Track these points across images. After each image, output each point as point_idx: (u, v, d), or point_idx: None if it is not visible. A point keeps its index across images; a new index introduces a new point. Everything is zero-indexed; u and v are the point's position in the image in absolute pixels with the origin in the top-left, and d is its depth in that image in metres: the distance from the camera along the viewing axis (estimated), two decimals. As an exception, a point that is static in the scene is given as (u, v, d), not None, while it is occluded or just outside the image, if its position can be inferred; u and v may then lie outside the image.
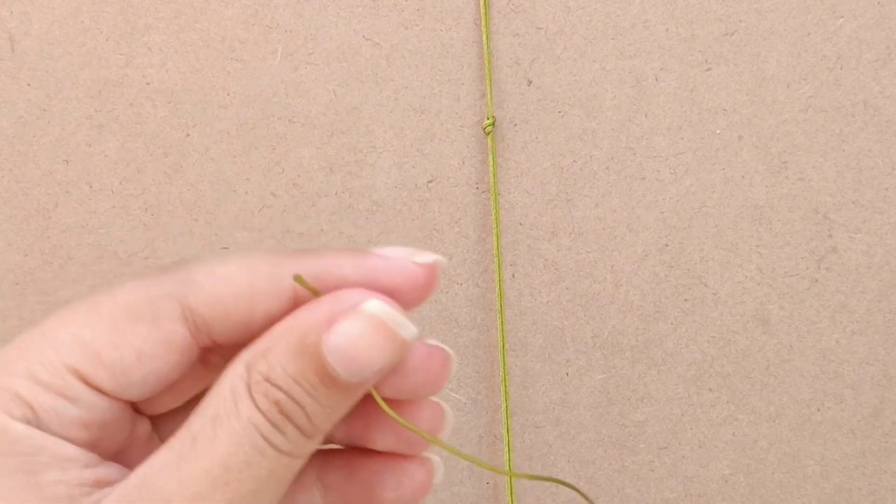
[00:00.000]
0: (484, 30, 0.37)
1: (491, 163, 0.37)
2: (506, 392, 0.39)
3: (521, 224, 0.39)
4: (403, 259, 0.22)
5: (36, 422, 0.20)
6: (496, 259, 0.38)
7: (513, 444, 0.40)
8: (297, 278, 0.21)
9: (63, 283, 0.38)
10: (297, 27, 0.37)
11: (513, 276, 0.39)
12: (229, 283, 0.22)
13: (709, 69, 0.38)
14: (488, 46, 0.37)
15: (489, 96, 0.37)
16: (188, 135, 0.38)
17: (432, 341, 0.23)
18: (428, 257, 0.22)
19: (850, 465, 0.41)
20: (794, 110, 0.38)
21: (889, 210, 0.39)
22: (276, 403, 0.20)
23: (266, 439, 0.20)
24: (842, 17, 0.37)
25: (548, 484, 0.41)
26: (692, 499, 0.41)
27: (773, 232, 0.39)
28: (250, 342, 0.21)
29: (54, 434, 0.20)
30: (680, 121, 0.38)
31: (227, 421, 0.20)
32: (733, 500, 0.41)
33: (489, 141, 0.37)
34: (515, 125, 0.38)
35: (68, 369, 0.20)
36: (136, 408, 0.23)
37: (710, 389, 0.40)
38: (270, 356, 0.20)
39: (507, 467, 0.39)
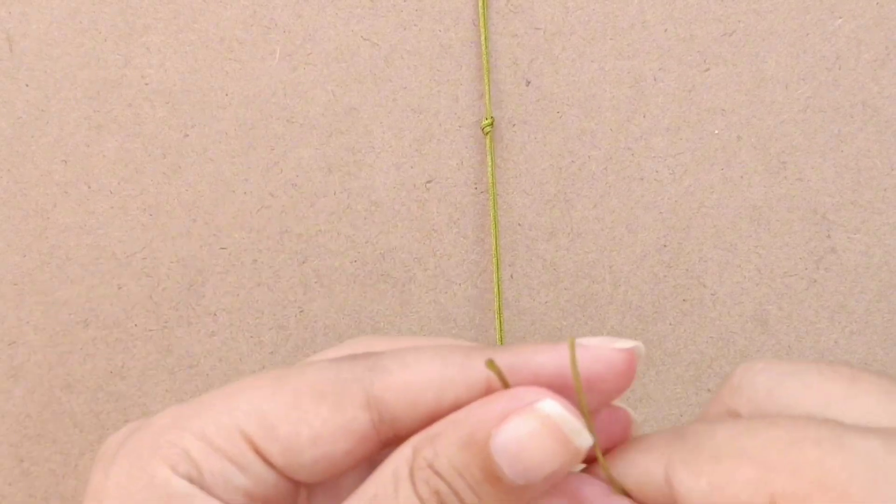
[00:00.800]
0: (482, 30, 0.37)
1: (489, 163, 0.37)
2: (504, 392, 0.39)
3: (519, 224, 0.39)
4: (601, 347, 0.21)
5: (200, 482, 0.20)
6: (494, 259, 0.38)
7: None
8: (490, 363, 0.21)
9: (61, 283, 0.38)
10: (295, 28, 0.37)
11: (511, 276, 0.39)
12: (420, 371, 0.21)
13: (707, 69, 0.38)
14: (487, 47, 0.37)
15: (488, 97, 0.37)
16: (187, 135, 0.38)
17: (618, 404, 0.21)
18: (627, 343, 0.21)
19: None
20: (793, 111, 0.38)
21: (888, 210, 0.39)
22: (437, 493, 0.20)
23: None
24: (840, 17, 0.37)
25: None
26: (691, 499, 0.41)
27: (772, 232, 0.39)
28: None
29: (216, 498, 0.20)
30: (678, 121, 0.38)
31: (385, 503, 0.20)
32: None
33: (488, 141, 0.37)
34: (514, 125, 0.38)
35: (242, 436, 0.20)
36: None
37: (709, 390, 0.40)
38: (438, 444, 0.20)
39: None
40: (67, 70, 0.37)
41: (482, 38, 0.37)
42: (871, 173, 0.38)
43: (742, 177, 0.38)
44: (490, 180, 0.38)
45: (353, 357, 0.21)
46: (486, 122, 0.37)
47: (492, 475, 0.19)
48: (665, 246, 0.39)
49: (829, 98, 0.38)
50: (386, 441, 0.22)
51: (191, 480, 0.20)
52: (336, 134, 0.38)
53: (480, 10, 0.36)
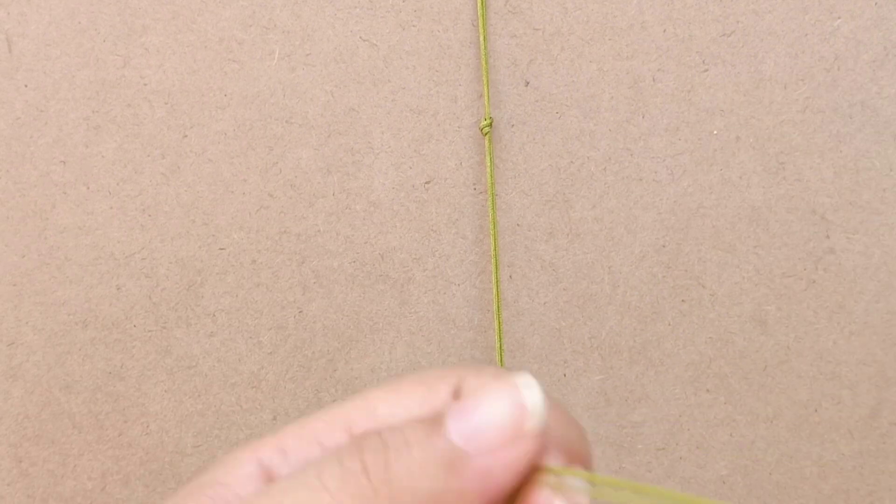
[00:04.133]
0: (481, 31, 0.37)
1: (488, 164, 0.37)
2: (503, 393, 0.39)
3: (518, 225, 0.39)
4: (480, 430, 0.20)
5: None
6: (493, 260, 0.38)
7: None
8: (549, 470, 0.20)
9: (60, 284, 0.38)
10: (294, 28, 0.37)
11: (510, 276, 0.39)
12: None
13: (706, 70, 0.38)
14: (486, 47, 0.37)
15: (486, 97, 0.37)
16: (185, 136, 0.38)
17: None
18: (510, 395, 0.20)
19: (847, 465, 0.41)
20: (792, 111, 0.38)
21: (886, 211, 0.39)
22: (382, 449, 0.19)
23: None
24: (839, 18, 0.37)
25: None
26: (690, 500, 0.41)
27: (771, 233, 0.39)
28: None
29: None
30: (677, 121, 0.38)
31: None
32: (731, 501, 0.41)
33: (486, 142, 0.37)
34: (513, 126, 0.38)
35: None
36: None
37: (708, 390, 0.40)
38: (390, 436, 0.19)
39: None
40: (66, 70, 0.37)
41: (481, 38, 0.37)
42: (870, 174, 0.38)
43: (741, 177, 0.38)
44: (489, 181, 0.38)
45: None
46: (485, 122, 0.37)
47: (435, 429, 0.19)
48: (664, 246, 0.39)
49: (828, 98, 0.38)
50: None
51: None
52: (335, 134, 0.38)
53: (479, 11, 0.36)
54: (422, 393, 0.20)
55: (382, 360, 0.40)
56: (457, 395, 0.20)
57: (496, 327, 0.39)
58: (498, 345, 0.39)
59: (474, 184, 0.38)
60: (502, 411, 0.19)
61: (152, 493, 0.40)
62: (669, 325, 0.40)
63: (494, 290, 0.38)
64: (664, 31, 0.37)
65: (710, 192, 0.39)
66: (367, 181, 0.38)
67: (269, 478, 0.19)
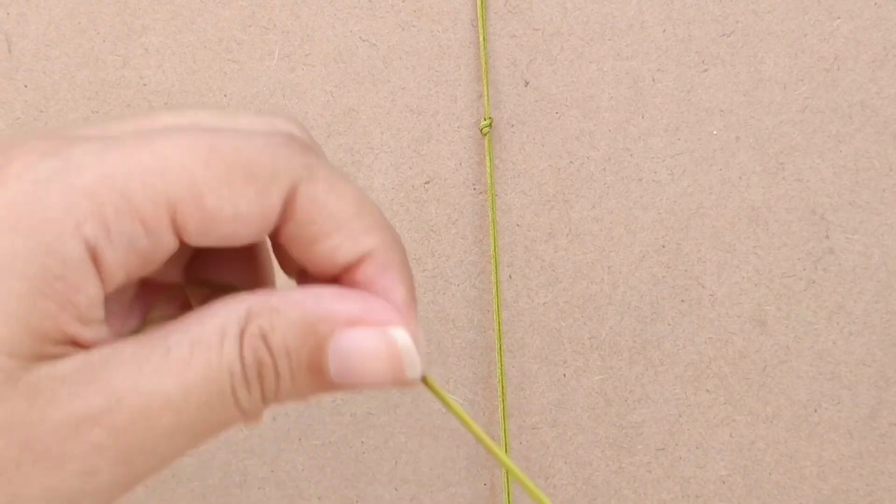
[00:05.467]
0: (481, 31, 0.37)
1: (488, 164, 0.37)
2: (503, 393, 0.39)
3: (518, 225, 0.39)
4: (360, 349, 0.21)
5: (95, 245, 0.19)
6: (493, 260, 0.38)
7: (510, 445, 0.40)
8: (426, 379, 0.21)
9: (60, 284, 0.38)
10: (293, 28, 0.37)
11: (510, 277, 0.39)
12: (342, 207, 0.21)
13: (706, 70, 0.38)
14: (485, 48, 0.37)
15: (486, 97, 0.37)
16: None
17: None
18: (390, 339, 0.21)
19: (847, 466, 0.41)
20: (791, 111, 0.38)
21: (886, 211, 0.39)
22: (259, 363, 0.20)
23: (233, 390, 0.20)
24: (839, 18, 0.37)
25: (544, 485, 0.41)
26: (689, 500, 0.41)
27: (770, 233, 0.39)
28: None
29: (100, 266, 0.19)
30: (677, 122, 0.38)
31: (206, 352, 0.19)
32: (731, 502, 0.41)
33: (486, 142, 0.37)
34: (512, 126, 0.38)
35: (167, 204, 0.19)
36: None
37: (708, 390, 0.40)
38: (277, 318, 0.20)
39: (505, 469, 0.39)
40: (66, 71, 0.37)
41: (481, 38, 0.37)
42: (870, 174, 0.38)
43: (740, 177, 0.38)
44: (489, 181, 0.38)
45: (296, 145, 0.21)
46: (485, 122, 0.37)
47: (317, 368, 0.20)
48: (664, 246, 0.39)
49: (828, 98, 0.38)
50: (276, 244, 0.22)
51: (87, 245, 0.19)
52: (335, 134, 0.38)
53: (479, 11, 0.36)
54: (254, 194, 0.20)
55: (382, 360, 0.40)
56: (290, 203, 0.20)
57: (496, 327, 0.39)
58: (498, 345, 0.39)
59: (474, 184, 0.38)
60: (383, 371, 0.21)
61: (152, 493, 0.40)
62: (669, 325, 0.40)
63: (494, 290, 0.38)
64: (664, 31, 0.37)
65: (709, 192, 0.39)
66: (367, 181, 0.38)
67: (95, 262, 0.19)
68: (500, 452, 0.23)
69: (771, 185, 0.38)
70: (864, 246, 0.39)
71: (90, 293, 0.19)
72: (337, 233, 0.21)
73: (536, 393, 0.40)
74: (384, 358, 0.21)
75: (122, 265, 0.19)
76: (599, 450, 0.41)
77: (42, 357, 0.19)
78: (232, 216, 0.20)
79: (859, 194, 0.39)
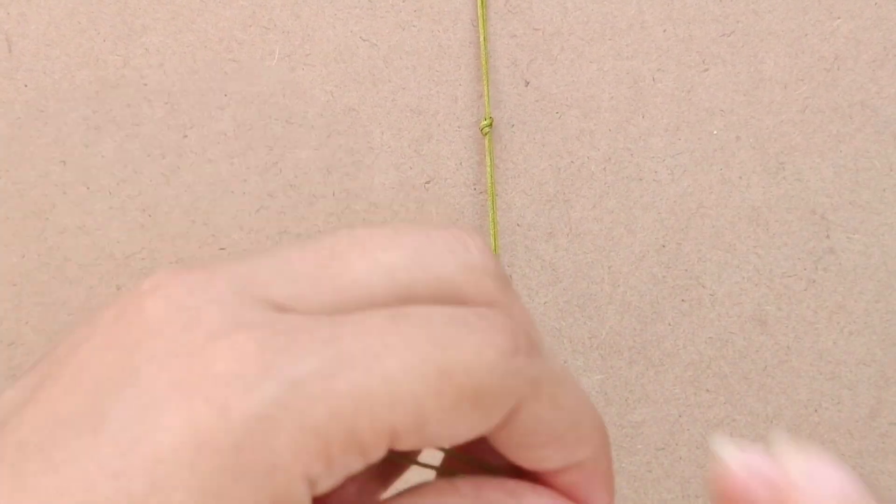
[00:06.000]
0: (481, 31, 0.37)
1: (488, 163, 0.37)
2: (503, 393, 0.39)
3: (518, 225, 0.39)
4: None
5: (317, 480, 0.17)
6: (493, 260, 0.38)
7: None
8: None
9: (60, 284, 0.38)
10: (294, 28, 0.37)
11: (510, 276, 0.39)
12: (562, 410, 0.20)
13: (706, 70, 0.38)
14: (486, 47, 0.37)
15: (486, 97, 0.37)
16: (185, 136, 0.38)
17: None
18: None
19: (847, 465, 0.41)
20: (792, 111, 0.38)
21: (886, 211, 0.39)
22: None
23: None
24: (839, 17, 0.37)
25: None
26: (690, 500, 0.41)
27: (771, 232, 0.39)
28: None
29: (313, 489, 0.17)
30: (677, 121, 0.38)
31: None
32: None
33: (486, 142, 0.37)
34: (513, 126, 0.38)
35: (390, 432, 0.17)
36: None
37: (708, 390, 0.40)
38: None
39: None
40: (66, 70, 0.37)
41: (481, 38, 0.37)
42: (870, 173, 0.38)
43: (741, 177, 0.38)
44: (489, 181, 0.38)
45: (523, 354, 0.19)
46: (485, 122, 0.37)
47: None
48: (664, 246, 0.39)
49: (828, 98, 0.38)
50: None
51: (309, 482, 0.17)
52: (335, 134, 0.38)
53: (479, 11, 0.36)
54: (478, 418, 0.18)
55: (382, 360, 0.39)
56: (510, 416, 0.19)
57: (496, 327, 0.39)
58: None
59: (474, 184, 0.38)
60: None
61: (152, 493, 0.40)
62: (669, 324, 0.40)
63: (494, 290, 0.38)
64: (664, 31, 0.37)
65: (709, 192, 0.39)
66: (367, 181, 0.38)
67: (311, 490, 0.18)
68: None
69: (771, 185, 0.38)
70: (865, 246, 0.39)
71: None
72: (551, 444, 0.20)
73: (537, 393, 0.40)
74: None
75: (332, 485, 0.18)
76: (600, 449, 0.41)
77: None
78: (448, 436, 0.18)
79: (859, 194, 0.39)
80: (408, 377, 0.17)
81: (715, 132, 0.38)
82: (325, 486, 0.17)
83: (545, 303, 0.39)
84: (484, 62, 0.37)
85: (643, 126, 0.38)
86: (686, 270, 0.39)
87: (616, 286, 0.39)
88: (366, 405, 0.17)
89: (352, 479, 0.21)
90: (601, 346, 0.40)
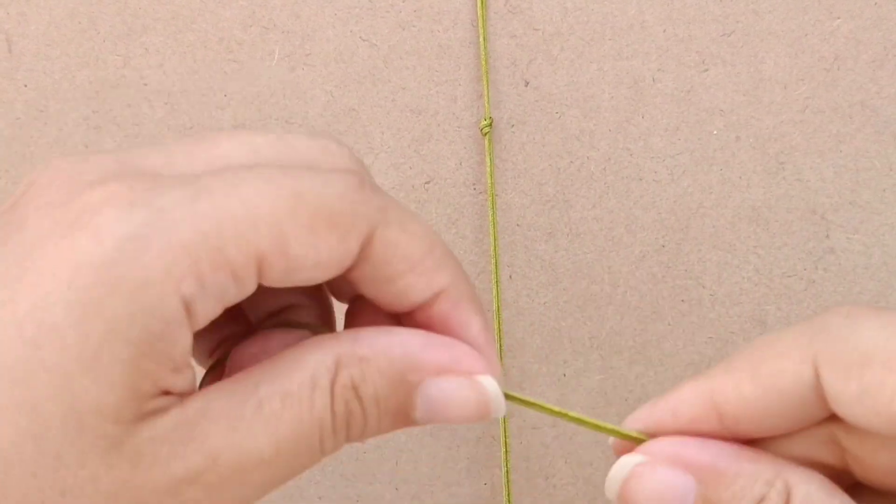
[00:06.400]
0: (481, 31, 0.37)
1: (488, 164, 0.38)
2: (503, 393, 0.39)
3: (518, 225, 0.39)
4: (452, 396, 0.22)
5: (189, 302, 0.19)
6: (493, 260, 0.38)
7: (510, 445, 0.40)
8: (508, 395, 0.23)
9: (60, 284, 0.38)
10: (294, 28, 0.37)
11: (510, 277, 0.39)
12: (416, 246, 0.21)
13: (706, 70, 0.38)
14: (485, 47, 0.37)
15: (486, 97, 0.37)
16: (186, 136, 0.38)
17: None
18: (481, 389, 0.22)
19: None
20: (792, 111, 0.38)
21: (886, 211, 0.39)
22: (349, 413, 0.21)
23: (321, 440, 0.20)
24: (839, 17, 0.37)
25: (544, 485, 0.41)
26: (690, 500, 0.41)
27: (771, 232, 0.39)
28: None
29: (192, 315, 0.19)
30: (677, 121, 0.38)
31: (297, 406, 0.20)
32: (731, 501, 0.41)
33: (486, 142, 0.37)
34: (513, 126, 0.38)
35: (256, 255, 0.19)
36: None
37: (708, 390, 0.40)
38: (367, 368, 0.21)
39: (505, 469, 0.39)
40: (66, 70, 0.37)
41: (481, 38, 0.37)
42: (870, 173, 0.38)
43: (741, 177, 0.38)
44: (489, 181, 0.38)
45: (368, 187, 0.21)
46: (485, 122, 0.37)
47: (403, 412, 0.21)
48: (664, 246, 0.39)
49: (828, 98, 0.38)
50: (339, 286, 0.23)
51: (185, 303, 0.19)
52: (335, 134, 0.38)
53: (479, 11, 0.36)
54: (336, 240, 0.20)
55: (382, 360, 0.40)
56: (366, 246, 0.21)
57: (496, 327, 0.39)
58: (498, 345, 0.39)
59: (474, 184, 0.38)
60: (470, 415, 0.22)
61: (152, 493, 0.40)
62: (669, 324, 0.40)
63: (494, 290, 0.38)
64: (664, 31, 0.37)
65: (709, 192, 0.39)
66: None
67: (188, 314, 0.19)
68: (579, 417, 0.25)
69: (771, 185, 0.38)
70: (865, 246, 0.39)
71: (184, 345, 0.19)
72: (410, 273, 0.21)
73: (537, 392, 0.40)
74: (473, 404, 0.22)
75: (209, 314, 0.19)
76: (600, 449, 0.41)
77: (142, 417, 0.19)
78: (314, 263, 0.20)
79: (859, 194, 0.39)
80: (265, 200, 0.19)
81: (715, 132, 0.38)
82: (202, 310, 0.19)
83: (545, 303, 0.39)
84: (484, 62, 0.37)
85: (643, 126, 0.38)
86: (686, 270, 0.39)
87: (616, 286, 0.39)
88: (228, 224, 0.19)
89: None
90: (601, 346, 0.40)
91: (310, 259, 0.20)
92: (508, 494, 0.40)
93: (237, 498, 0.20)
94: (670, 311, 0.40)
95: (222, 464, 0.19)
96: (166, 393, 0.19)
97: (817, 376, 0.20)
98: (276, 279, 0.20)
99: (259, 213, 0.19)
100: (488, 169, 0.38)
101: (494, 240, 0.38)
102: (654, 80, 0.38)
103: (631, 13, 0.37)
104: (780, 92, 0.38)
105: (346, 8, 0.37)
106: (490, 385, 0.22)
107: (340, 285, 0.24)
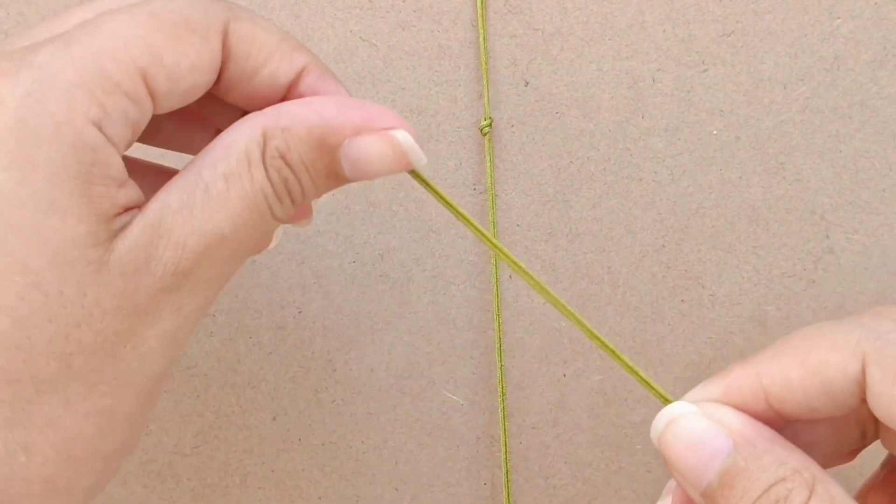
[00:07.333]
0: (481, 31, 0.37)
1: (488, 164, 0.38)
2: (503, 393, 0.39)
3: (518, 225, 0.39)
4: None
5: (100, 124, 0.21)
6: (493, 260, 0.38)
7: (510, 445, 0.40)
8: (413, 173, 0.26)
9: (60, 284, 0.38)
10: (294, 28, 0.37)
11: (510, 276, 0.39)
12: (265, 35, 0.24)
13: (706, 70, 0.38)
14: (485, 48, 0.37)
15: (486, 97, 0.37)
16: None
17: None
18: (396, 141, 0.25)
19: (846, 466, 0.41)
20: (791, 111, 0.38)
21: (886, 211, 0.39)
22: (285, 181, 0.23)
23: (269, 207, 0.23)
24: (839, 17, 0.37)
25: (544, 485, 0.41)
26: (689, 500, 0.41)
27: (770, 233, 0.39)
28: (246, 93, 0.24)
29: (110, 139, 0.21)
30: (677, 122, 0.38)
31: (239, 182, 0.22)
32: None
33: (486, 142, 0.37)
34: (512, 126, 0.38)
35: (137, 69, 0.21)
36: None
37: (708, 390, 0.40)
38: (290, 137, 0.23)
39: (505, 469, 0.39)
40: (66, 71, 0.37)
41: (481, 38, 0.37)
42: (870, 174, 0.38)
43: (740, 177, 0.38)
44: (488, 181, 0.38)
45: None
46: (485, 122, 0.37)
47: (333, 172, 0.24)
48: (663, 246, 0.39)
49: (828, 98, 0.38)
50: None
51: (97, 125, 0.21)
52: (334, 134, 0.38)
53: (479, 11, 0.36)
54: (199, 41, 0.22)
55: (382, 360, 0.40)
56: (226, 44, 0.23)
57: (496, 327, 0.39)
58: (498, 345, 0.39)
59: (474, 184, 0.38)
60: (392, 166, 0.25)
61: (151, 493, 0.40)
62: (669, 325, 0.40)
63: (494, 290, 0.38)
64: (664, 31, 0.37)
65: (709, 192, 0.39)
66: (366, 181, 0.38)
67: (106, 137, 0.22)
68: (492, 238, 0.28)
69: (771, 185, 0.38)
70: (864, 246, 0.39)
71: (117, 162, 0.22)
72: (271, 58, 0.24)
73: (536, 393, 0.40)
74: (391, 157, 0.24)
75: (125, 136, 0.22)
76: (599, 449, 0.41)
77: (114, 234, 0.21)
78: (189, 66, 0.22)
79: (859, 194, 0.39)
80: (127, 27, 0.22)
81: (715, 132, 0.38)
82: (116, 133, 0.21)
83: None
84: (484, 62, 0.37)
85: (643, 126, 0.38)
86: (686, 270, 0.39)
87: (616, 286, 0.39)
88: (105, 54, 0.21)
89: None
90: (601, 346, 0.40)
91: (185, 64, 0.22)
92: (508, 494, 0.40)
93: (213, 276, 0.23)
94: (670, 311, 0.40)
95: (190, 249, 0.22)
96: (126, 210, 0.22)
97: (863, 373, 0.22)
98: (164, 93, 0.22)
99: (126, 37, 0.21)
100: (488, 169, 0.38)
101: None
102: (653, 80, 0.38)
103: (631, 13, 0.37)
104: (779, 92, 0.38)
105: (346, 8, 0.37)
106: (403, 137, 0.24)
107: (223, 112, 0.26)
